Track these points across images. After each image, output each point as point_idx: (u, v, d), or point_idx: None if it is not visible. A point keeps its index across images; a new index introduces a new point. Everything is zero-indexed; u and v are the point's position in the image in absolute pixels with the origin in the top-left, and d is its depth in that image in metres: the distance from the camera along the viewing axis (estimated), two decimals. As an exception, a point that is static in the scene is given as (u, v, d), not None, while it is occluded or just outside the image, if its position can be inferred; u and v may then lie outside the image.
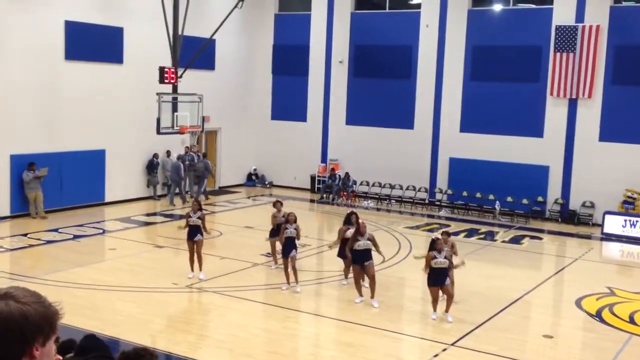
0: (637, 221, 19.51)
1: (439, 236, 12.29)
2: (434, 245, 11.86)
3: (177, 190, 22.72)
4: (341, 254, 13.79)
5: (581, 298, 13.52)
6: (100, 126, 20.96)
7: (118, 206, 21.38)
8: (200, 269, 13.83)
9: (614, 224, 19.78)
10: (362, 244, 12.50)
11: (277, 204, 14.68)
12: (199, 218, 13.67)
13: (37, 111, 19.26)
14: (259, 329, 11.47)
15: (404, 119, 24.18)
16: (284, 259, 13.38)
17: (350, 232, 13.25)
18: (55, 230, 17.77)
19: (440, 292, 11.94)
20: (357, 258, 12.60)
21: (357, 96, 25.20)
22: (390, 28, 24.30)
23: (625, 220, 19.65)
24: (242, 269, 14.75)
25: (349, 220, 13.67)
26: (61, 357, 3.87)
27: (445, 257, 11.75)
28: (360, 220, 13.02)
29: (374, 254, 12.74)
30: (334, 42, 25.48)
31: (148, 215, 20.80)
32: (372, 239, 12.65)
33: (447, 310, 11.87)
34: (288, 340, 10.93)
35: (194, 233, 13.67)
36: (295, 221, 13.32)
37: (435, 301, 11.94)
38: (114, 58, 21.28)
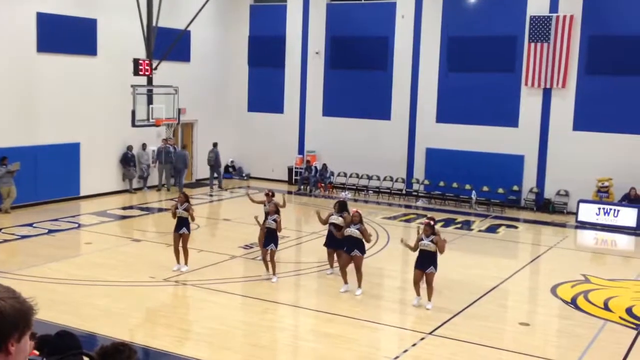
0: (610, 209, 19.79)
1: (430, 222, 12.33)
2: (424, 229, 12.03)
3: (182, 180, 23.36)
4: (327, 244, 13.84)
5: (556, 286, 13.69)
6: (75, 119, 20.72)
7: (93, 200, 21.20)
8: (186, 262, 13.81)
9: (588, 212, 20.05)
10: (349, 230, 12.67)
11: (268, 195, 14.70)
12: (185, 210, 13.64)
13: (10, 105, 18.98)
14: (238, 321, 11.45)
15: (381, 110, 24.24)
16: (262, 249, 13.43)
17: (334, 217, 13.38)
18: (30, 224, 17.56)
19: (422, 278, 12.02)
20: (345, 245, 12.68)
21: (333, 87, 25.20)
22: (366, 19, 24.31)
23: (599, 209, 19.92)
24: (220, 261, 14.71)
25: (335, 207, 13.81)
26: (37, 352, 3.82)
27: (432, 242, 11.87)
28: (354, 209, 13.11)
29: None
30: (310, 33, 25.42)
31: (124, 208, 20.64)
32: (361, 230, 12.67)
33: (429, 299, 11.99)
34: (267, 333, 10.94)
35: (181, 225, 13.64)
36: (275, 212, 13.35)
37: (416, 284, 12.03)
38: (87, 50, 21.03)
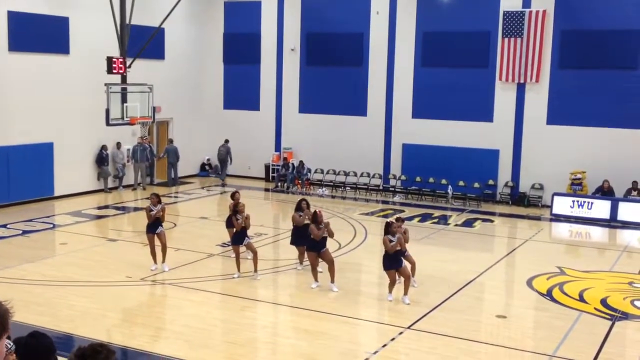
0: (584, 202, 20.03)
1: (394, 220, 12.45)
2: (388, 229, 12.04)
3: (177, 174, 24.83)
4: (294, 242, 13.91)
5: (532, 278, 13.84)
6: (48, 119, 20.47)
7: (68, 200, 20.97)
8: (164, 261, 13.72)
9: (562, 205, 20.28)
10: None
11: (235, 195, 14.65)
12: (160, 210, 13.59)
13: (-20, 104, 18.71)
14: (217, 319, 11.42)
15: (357, 106, 24.28)
16: (234, 247, 13.38)
17: (302, 218, 13.43)
18: (4, 226, 17.33)
19: (397, 275, 12.14)
20: (313, 245, 12.69)
21: (309, 84, 25.18)
22: (341, 15, 24.31)
23: (573, 201, 20.16)
24: (198, 259, 14.65)
25: (299, 207, 13.79)
26: (14, 355, 3.78)
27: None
28: (317, 209, 13.11)
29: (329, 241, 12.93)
30: (285, 29, 25.36)
31: (99, 208, 20.46)
32: (327, 225, 12.75)
33: (405, 293, 12.05)
34: (246, 330, 10.91)
35: (156, 225, 13.58)
36: (244, 211, 13.34)
37: (392, 284, 12.13)
38: (60, 49, 20.78)
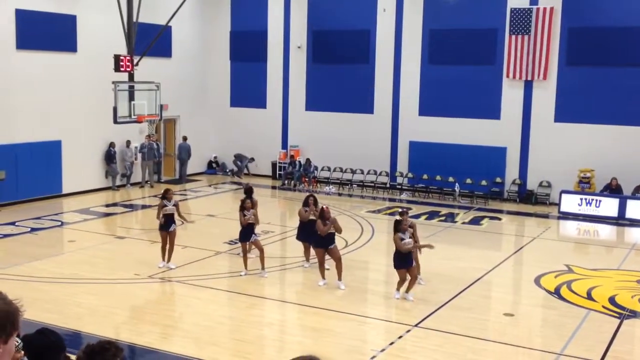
0: (592, 200, 19.96)
1: (402, 217, 12.39)
2: (398, 227, 11.97)
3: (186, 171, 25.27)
4: (300, 238, 13.94)
5: (540, 276, 13.80)
6: (56, 117, 20.54)
7: (76, 197, 21.04)
8: (169, 260, 13.76)
9: (570, 203, 20.21)
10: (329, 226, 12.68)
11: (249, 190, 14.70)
12: (174, 206, 13.63)
13: (-11, 102, 18.78)
14: (224, 317, 11.44)
15: (364, 104, 24.25)
16: (242, 243, 13.41)
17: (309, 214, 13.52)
18: (12, 223, 17.40)
19: (406, 274, 12.11)
20: (320, 242, 12.70)
21: (316, 82, 25.17)
22: (348, 12, 24.28)
23: (581, 199, 20.09)
24: (205, 257, 14.68)
25: (306, 202, 13.85)
26: (22, 353, 3.79)
27: (410, 237, 11.95)
28: (324, 206, 13.12)
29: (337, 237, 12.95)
30: (291, 27, 25.35)
31: (107, 206, 20.52)
32: (334, 222, 12.73)
33: (407, 290, 12.04)
34: (253, 328, 10.93)
35: (170, 222, 13.61)
36: (252, 207, 13.34)
37: (402, 282, 12.09)
38: (67, 47, 20.84)
